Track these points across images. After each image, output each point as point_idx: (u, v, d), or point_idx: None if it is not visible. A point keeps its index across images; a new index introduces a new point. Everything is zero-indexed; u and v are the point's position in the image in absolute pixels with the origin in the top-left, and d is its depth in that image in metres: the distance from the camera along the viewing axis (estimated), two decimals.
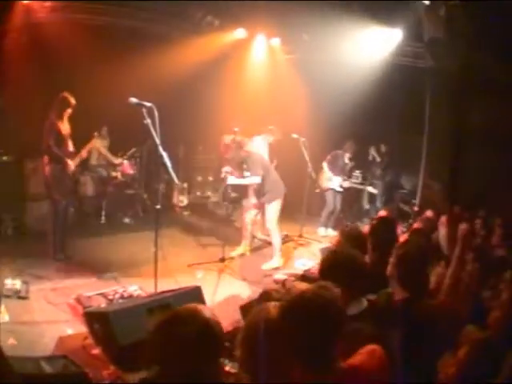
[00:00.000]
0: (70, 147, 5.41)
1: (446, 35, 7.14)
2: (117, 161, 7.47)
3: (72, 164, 5.33)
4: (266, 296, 2.63)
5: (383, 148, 8.75)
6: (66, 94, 5.23)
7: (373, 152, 8.85)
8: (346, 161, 7.83)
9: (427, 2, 6.97)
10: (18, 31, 6.10)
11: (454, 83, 7.59)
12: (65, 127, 5.30)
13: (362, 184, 8.13)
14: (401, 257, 2.61)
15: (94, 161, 7.58)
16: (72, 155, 5.38)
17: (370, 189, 8.28)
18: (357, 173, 8.09)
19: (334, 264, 2.47)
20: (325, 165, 7.79)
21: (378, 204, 8.56)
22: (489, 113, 7.14)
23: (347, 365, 1.69)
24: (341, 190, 7.80)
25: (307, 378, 1.63)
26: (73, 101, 5.24)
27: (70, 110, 5.27)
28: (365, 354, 1.75)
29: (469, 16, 6.76)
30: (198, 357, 1.55)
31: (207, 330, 1.59)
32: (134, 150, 7.56)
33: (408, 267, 2.55)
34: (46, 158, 5.27)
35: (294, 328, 1.62)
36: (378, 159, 8.74)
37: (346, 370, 1.66)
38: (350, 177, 7.95)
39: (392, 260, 2.66)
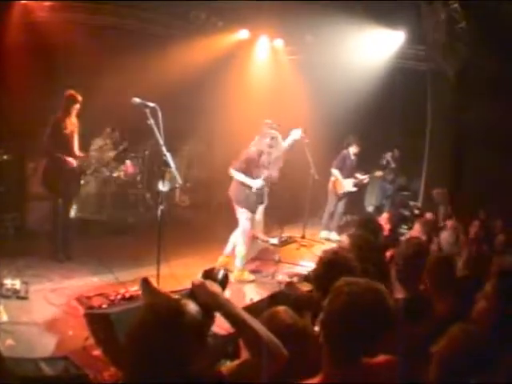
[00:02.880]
0: (75, 147, 5.34)
1: (447, 38, 7.13)
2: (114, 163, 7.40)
3: (73, 161, 5.23)
4: (272, 299, 2.61)
5: (396, 153, 8.73)
6: (72, 91, 5.20)
7: (388, 158, 8.80)
8: (352, 158, 7.67)
9: (429, 5, 6.97)
10: (17, 31, 6.09)
11: (455, 86, 7.58)
12: (71, 125, 5.25)
13: (369, 173, 7.99)
14: (399, 259, 2.91)
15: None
16: (74, 156, 5.30)
17: (378, 173, 8.17)
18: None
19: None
20: (336, 172, 7.60)
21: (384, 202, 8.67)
22: (490, 115, 7.13)
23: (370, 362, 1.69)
24: (356, 189, 7.75)
25: (332, 369, 1.63)
26: (79, 97, 5.21)
27: (77, 107, 5.22)
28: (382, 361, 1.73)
29: (470, 19, 6.76)
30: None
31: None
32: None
33: (405, 269, 2.81)
34: (44, 154, 5.25)
35: (345, 316, 1.62)
36: (393, 165, 8.72)
37: (368, 366, 1.66)
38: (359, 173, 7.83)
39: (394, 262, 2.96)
